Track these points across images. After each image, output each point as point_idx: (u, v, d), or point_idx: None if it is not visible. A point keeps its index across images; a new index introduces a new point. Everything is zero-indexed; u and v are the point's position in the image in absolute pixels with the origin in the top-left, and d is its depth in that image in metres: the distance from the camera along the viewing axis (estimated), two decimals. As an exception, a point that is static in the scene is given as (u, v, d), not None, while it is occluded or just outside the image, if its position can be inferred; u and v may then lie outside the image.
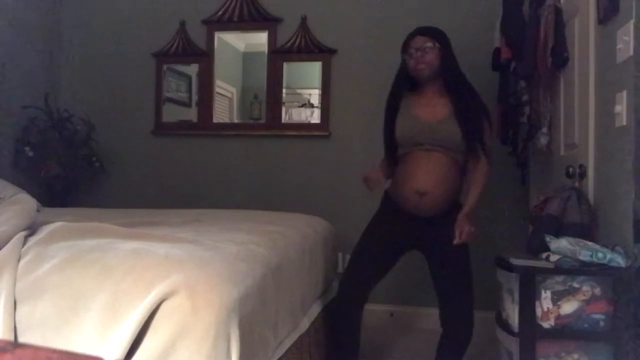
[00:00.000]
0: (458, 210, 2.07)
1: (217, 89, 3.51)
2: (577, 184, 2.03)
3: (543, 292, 1.71)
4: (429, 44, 2.09)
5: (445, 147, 2.06)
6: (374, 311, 2.85)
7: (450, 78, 2.12)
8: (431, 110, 2.11)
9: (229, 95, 3.66)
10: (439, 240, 2.06)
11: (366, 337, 2.31)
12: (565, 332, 1.70)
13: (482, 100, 2.15)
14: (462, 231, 1.98)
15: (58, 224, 1.41)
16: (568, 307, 1.70)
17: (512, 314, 1.79)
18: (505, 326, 1.86)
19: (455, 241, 1.97)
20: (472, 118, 2.08)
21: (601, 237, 1.86)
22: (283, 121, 3.41)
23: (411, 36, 2.14)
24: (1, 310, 1.11)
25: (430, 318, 2.82)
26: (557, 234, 1.82)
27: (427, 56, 2.09)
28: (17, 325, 1.12)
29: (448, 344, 2.11)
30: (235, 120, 3.66)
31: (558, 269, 1.71)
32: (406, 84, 2.18)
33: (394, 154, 2.19)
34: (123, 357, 1.05)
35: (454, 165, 2.10)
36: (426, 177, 2.05)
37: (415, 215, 2.09)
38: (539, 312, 1.72)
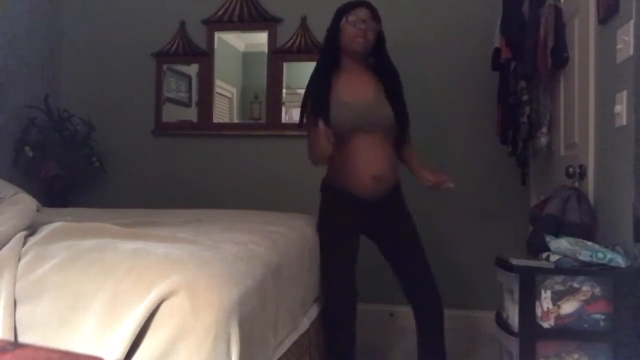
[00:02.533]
0: (399, 187, 2.14)
1: (217, 89, 3.51)
2: (577, 184, 2.03)
3: (543, 292, 1.71)
4: (373, 23, 2.06)
5: (383, 128, 2.06)
6: (374, 311, 2.86)
7: (380, 62, 2.10)
8: (359, 91, 2.07)
9: (229, 95, 3.66)
10: (390, 220, 2.09)
11: (366, 337, 2.31)
12: (565, 332, 1.70)
13: (395, 68, 2.16)
14: (445, 178, 2.05)
15: (58, 224, 1.41)
16: (568, 307, 1.70)
17: (512, 314, 1.79)
18: (505, 326, 1.86)
19: (451, 184, 2.03)
20: (397, 97, 2.10)
21: (601, 237, 1.86)
22: (283, 121, 3.40)
23: (357, 4, 2.08)
24: (1, 310, 1.11)
25: (430, 318, 2.82)
26: (557, 234, 1.82)
27: (370, 33, 2.06)
28: (17, 325, 1.12)
29: (427, 323, 2.10)
30: (235, 120, 3.66)
31: (558, 269, 1.71)
32: (332, 61, 2.13)
33: None
34: (123, 357, 1.05)
35: (393, 145, 2.11)
36: (379, 161, 2.05)
37: (363, 199, 2.07)
38: (539, 312, 1.72)
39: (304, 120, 2.21)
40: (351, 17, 2.05)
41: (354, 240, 2.15)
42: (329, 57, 2.14)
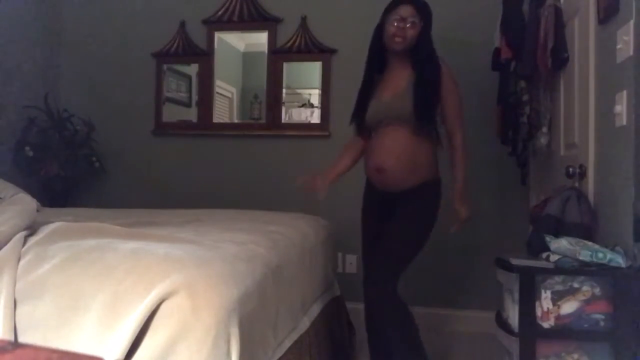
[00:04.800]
0: (430, 187, 2.07)
1: (217, 89, 3.51)
2: (577, 184, 2.03)
3: (543, 292, 1.71)
4: (415, 19, 2.03)
5: (402, 121, 2.03)
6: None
7: (419, 56, 2.07)
8: (392, 86, 2.09)
9: (229, 95, 3.66)
10: (397, 214, 2.06)
11: (366, 337, 2.31)
12: (565, 332, 1.70)
13: (439, 74, 2.07)
14: (461, 218, 2.05)
15: (58, 224, 1.41)
16: (568, 307, 1.70)
17: (512, 314, 1.79)
18: (505, 326, 1.86)
19: (453, 229, 2.05)
20: (426, 89, 2.02)
21: (601, 237, 1.86)
22: (283, 121, 3.41)
23: (400, 2, 2.05)
24: (1, 310, 1.11)
25: (431, 318, 2.83)
26: (557, 234, 1.82)
27: (409, 31, 2.03)
28: (17, 325, 1.12)
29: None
30: (235, 120, 3.66)
31: (558, 269, 1.71)
32: (379, 63, 2.17)
33: (367, 134, 2.21)
34: (123, 357, 1.05)
35: (417, 138, 2.03)
36: (383, 153, 2.06)
37: (382, 191, 2.13)
38: (539, 312, 1.71)
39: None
40: (392, 16, 2.05)
41: (376, 229, 2.15)
42: (374, 55, 2.18)
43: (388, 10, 2.08)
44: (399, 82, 2.08)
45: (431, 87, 2.04)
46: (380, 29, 2.12)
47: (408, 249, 2.02)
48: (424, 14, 2.05)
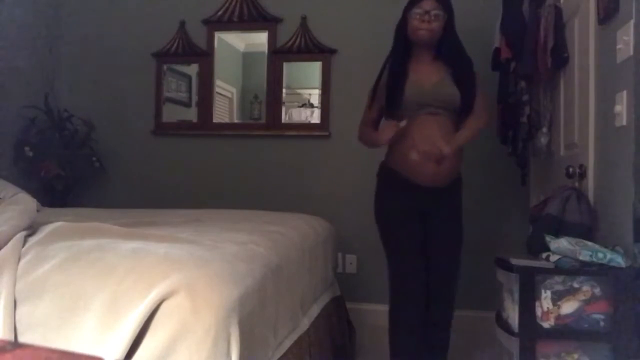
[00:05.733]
0: (461, 181, 2.09)
1: (217, 89, 3.51)
2: (577, 184, 2.03)
3: (543, 292, 1.71)
4: (440, 12, 2.05)
5: (448, 109, 2.04)
6: (375, 311, 2.85)
7: (446, 49, 2.09)
8: (427, 74, 2.09)
9: (229, 95, 3.66)
10: (442, 214, 2.07)
11: (366, 337, 2.31)
12: (565, 332, 1.70)
13: (472, 67, 2.14)
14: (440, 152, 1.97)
15: (58, 224, 1.41)
16: (568, 307, 1.70)
17: (512, 314, 1.79)
18: (505, 326, 1.86)
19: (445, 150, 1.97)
20: (466, 80, 2.07)
21: (601, 237, 1.86)
22: (283, 121, 3.40)
23: None
24: (1, 310, 1.11)
25: (430, 318, 2.82)
26: (557, 234, 1.82)
27: (434, 24, 2.05)
28: (17, 325, 1.12)
29: (430, 340, 2.08)
30: (235, 120, 3.65)
31: (558, 269, 1.71)
32: (404, 49, 2.15)
33: (380, 119, 2.19)
34: (123, 357, 1.05)
35: (457, 128, 2.08)
36: (440, 140, 1.99)
37: (419, 185, 2.04)
38: (539, 312, 1.72)
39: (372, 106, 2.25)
40: (416, 9, 2.05)
41: (413, 224, 2.07)
42: (399, 47, 2.16)
43: (412, 5, 2.08)
44: (434, 72, 2.08)
45: (471, 79, 2.08)
46: (402, 24, 2.13)
47: (460, 254, 2.12)
48: (447, 7, 2.08)
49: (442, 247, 2.08)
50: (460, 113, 2.08)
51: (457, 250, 2.11)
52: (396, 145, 2.10)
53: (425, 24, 2.04)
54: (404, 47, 2.14)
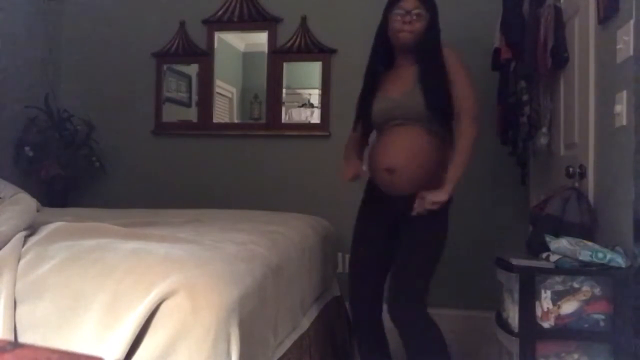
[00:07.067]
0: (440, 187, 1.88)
1: (217, 89, 3.51)
2: (577, 184, 2.03)
3: (543, 292, 1.71)
4: (422, 11, 1.92)
5: (415, 119, 1.91)
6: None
7: (425, 50, 1.95)
8: (400, 83, 1.97)
9: (229, 95, 3.66)
10: (409, 220, 1.89)
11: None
12: (565, 332, 1.70)
13: (443, 64, 1.93)
14: (422, 199, 1.82)
15: (58, 224, 1.42)
16: (568, 307, 1.70)
17: (512, 314, 1.79)
18: (505, 326, 1.86)
19: (413, 212, 1.82)
20: (436, 87, 1.90)
21: (601, 237, 1.86)
22: (283, 121, 3.41)
23: None
24: (1, 310, 1.11)
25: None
26: (557, 234, 1.82)
27: (416, 24, 1.91)
28: (17, 325, 1.12)
29: (402, 338, 1.92)
30: (235, 120, 3.66)
31: (558, 269, 1.71)
32: (383, 59, 2.04)
33: (369, 133, 2.12)
34: (123, 357, 1.05)
35: (432, 137, 1.91)
36: (396, 153, 1.91)
37: (389, 194, 1.96)
38: (539, 312, 1.71)
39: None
40: (396, 10, 1.93)
41: (379, 235, 2.01)
42: (379, 52, 2.05)
43: (391, 5, 1.97)
44: (406, 78, 1.96)
45: (437, 77, 1.91)
46: (383, 27, 2.02)
47: (431, 262, 1.91)
48: (429, 5, 1.95)
49: (405, 247, 1.94)
50: (432, 118, 1.92)
51: (422, 250, 1.91)
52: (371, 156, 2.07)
53: (407, 25, 1.91)
54: (383, 52, 2.05)
